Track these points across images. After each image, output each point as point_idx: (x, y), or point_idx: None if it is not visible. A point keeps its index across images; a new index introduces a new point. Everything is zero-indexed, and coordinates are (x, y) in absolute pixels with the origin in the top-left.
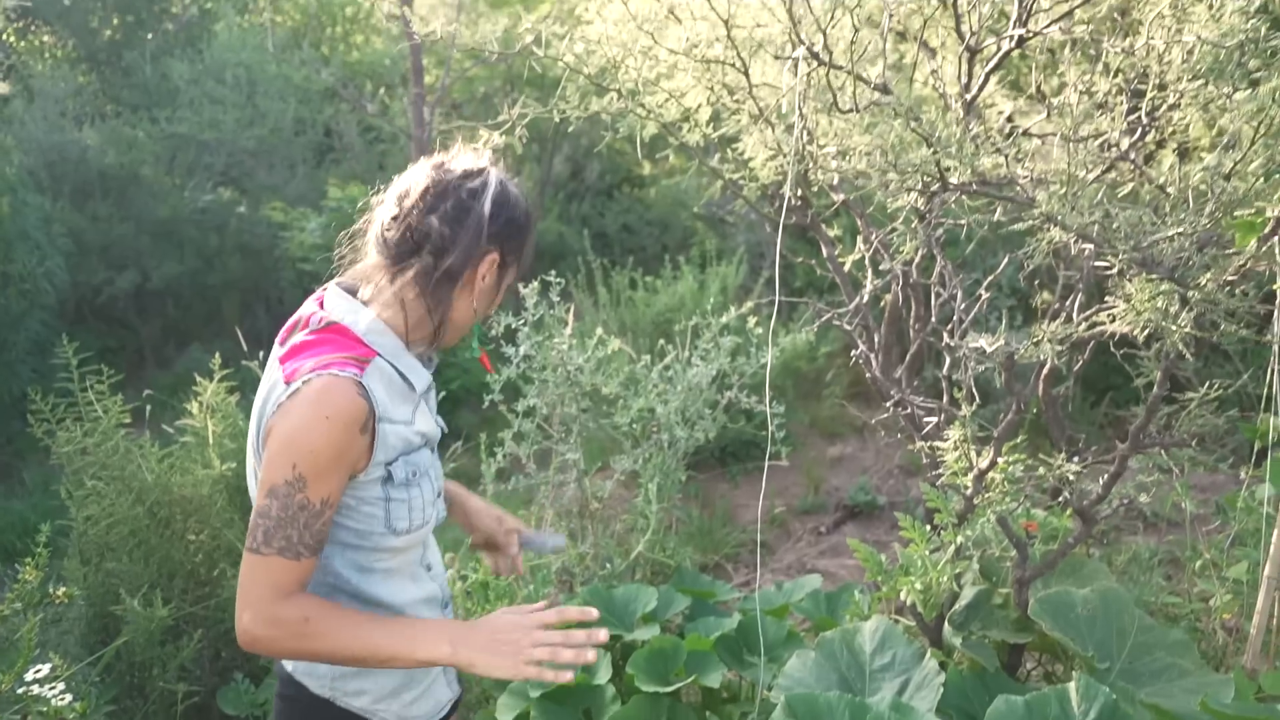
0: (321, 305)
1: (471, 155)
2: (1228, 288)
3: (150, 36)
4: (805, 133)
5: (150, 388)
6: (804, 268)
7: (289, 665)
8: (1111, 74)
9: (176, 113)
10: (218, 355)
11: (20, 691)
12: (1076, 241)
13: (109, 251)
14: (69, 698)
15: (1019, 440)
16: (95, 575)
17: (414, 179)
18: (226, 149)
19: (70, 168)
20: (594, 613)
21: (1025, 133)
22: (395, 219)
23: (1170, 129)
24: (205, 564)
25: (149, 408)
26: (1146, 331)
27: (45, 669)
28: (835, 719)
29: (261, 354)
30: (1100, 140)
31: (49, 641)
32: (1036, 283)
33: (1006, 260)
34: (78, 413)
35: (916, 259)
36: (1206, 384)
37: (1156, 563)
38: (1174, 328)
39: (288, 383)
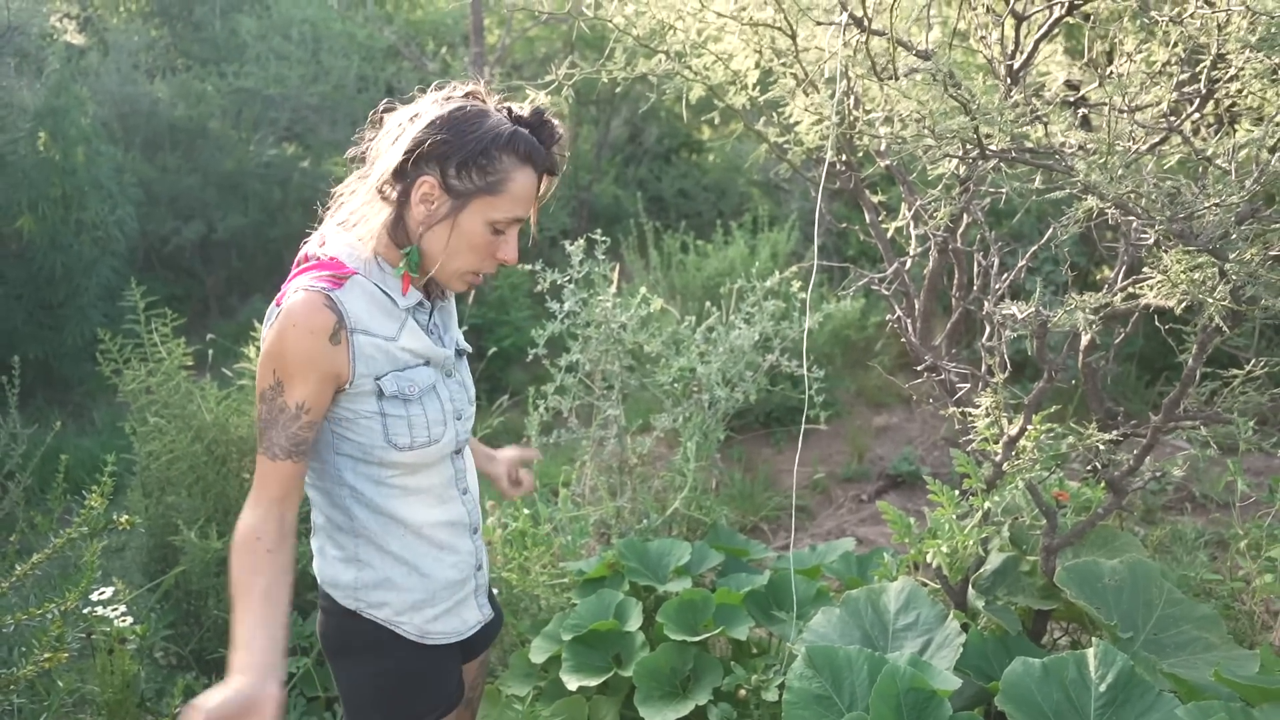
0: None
1: (455, 88)
2: (1270, 262)
3: None
4: (851, 98)
5: (213, 335)
6: (856, 236)
7: (318, 576)
8: (1170, 44)
9: (244, 68)
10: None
11: (86, 611)
12: (1116, 212)
13: (177, 202)
14: (130, 619)
15: (1054, 409)
16: (156, 507)
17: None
18: (291, 104)
19: (141, 120)
20: None
21: (1079, 101)
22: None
23: (1230, 101)
24: None
25: (210, 352)
26: (1184, 304)
27: (109, 592)
28: (854, 672)
29: None
30: (1155, 110)
31: (113, 569)
32: (1095, 258)
33: (1051, 230)
34: (144, 354)
35: (961, 228)
36: (1253, 361)
37: (1202, 543)
38: (1211, 300)
39: (277, 305)
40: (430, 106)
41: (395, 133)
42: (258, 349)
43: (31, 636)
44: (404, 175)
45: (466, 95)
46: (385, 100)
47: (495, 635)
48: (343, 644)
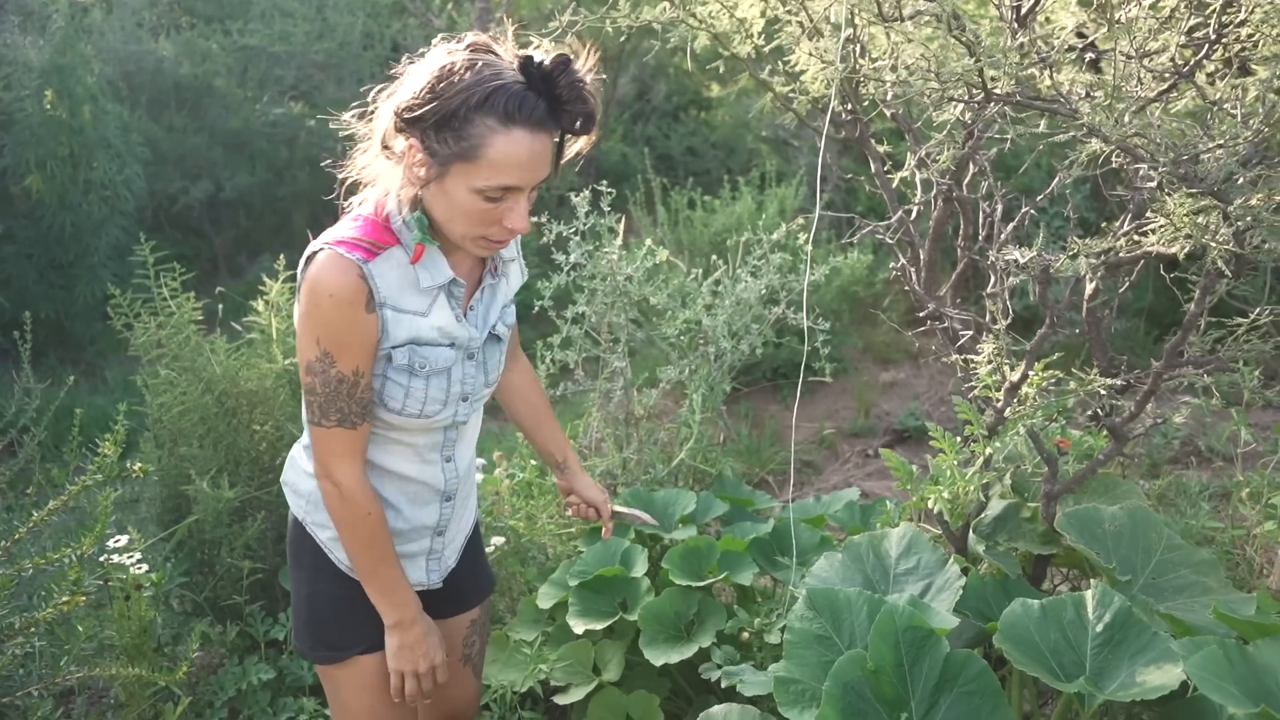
0: None
1: (459, 40)
2: (1276, 206)
3: None
4: (857, 45)
5: (222, 290)
6: (864, 190)
7: (283, 476)
8: None
9: (248, 25)
10: (283, 258)
11: (102, 560)
12: (1120, 157)
13: (184, 161)
14: (145, 567)
15: (1059, 357)
16: (168, 459)
17: None
18: (296, 62)
19: (147, 78)
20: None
21: (1087, 47)
22: None
23: (1240, 47)
24: (269, 452)
25: (220, 308)
26: (1186, 251)
27: (124, 540)
28: (854, 613)
29: None
30: (1164, 56)
31: (128, 520)
32: (1105, 212)
33: (1058, 176)
34: (154, 309)
35: (967, 177)
36: (1258, 309)
37: (1205, 495)
38: (1214, 244)
39: (307, 261)
40: (421, 64)
41: (392, 89)
42: (267, 303)
43: (50, 581)
44: (397, 136)
45: (468, 47)
46: (406, 57)
47: (475, 601)
48: (295, 554)
